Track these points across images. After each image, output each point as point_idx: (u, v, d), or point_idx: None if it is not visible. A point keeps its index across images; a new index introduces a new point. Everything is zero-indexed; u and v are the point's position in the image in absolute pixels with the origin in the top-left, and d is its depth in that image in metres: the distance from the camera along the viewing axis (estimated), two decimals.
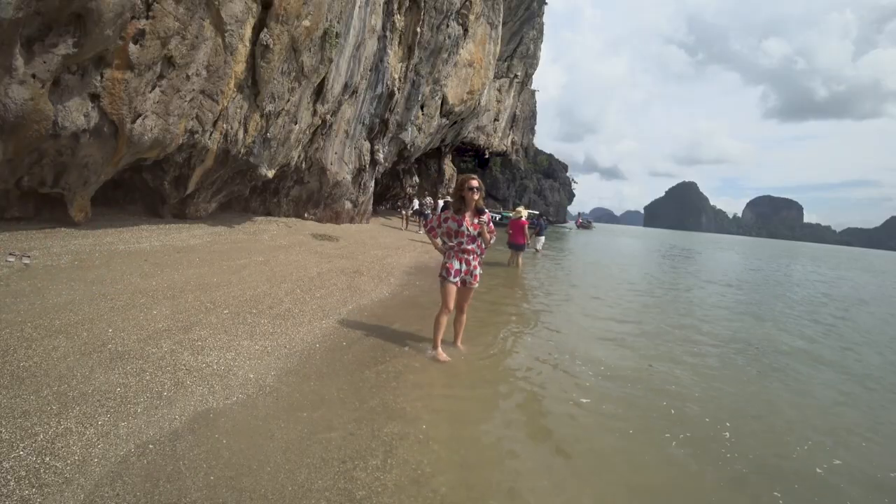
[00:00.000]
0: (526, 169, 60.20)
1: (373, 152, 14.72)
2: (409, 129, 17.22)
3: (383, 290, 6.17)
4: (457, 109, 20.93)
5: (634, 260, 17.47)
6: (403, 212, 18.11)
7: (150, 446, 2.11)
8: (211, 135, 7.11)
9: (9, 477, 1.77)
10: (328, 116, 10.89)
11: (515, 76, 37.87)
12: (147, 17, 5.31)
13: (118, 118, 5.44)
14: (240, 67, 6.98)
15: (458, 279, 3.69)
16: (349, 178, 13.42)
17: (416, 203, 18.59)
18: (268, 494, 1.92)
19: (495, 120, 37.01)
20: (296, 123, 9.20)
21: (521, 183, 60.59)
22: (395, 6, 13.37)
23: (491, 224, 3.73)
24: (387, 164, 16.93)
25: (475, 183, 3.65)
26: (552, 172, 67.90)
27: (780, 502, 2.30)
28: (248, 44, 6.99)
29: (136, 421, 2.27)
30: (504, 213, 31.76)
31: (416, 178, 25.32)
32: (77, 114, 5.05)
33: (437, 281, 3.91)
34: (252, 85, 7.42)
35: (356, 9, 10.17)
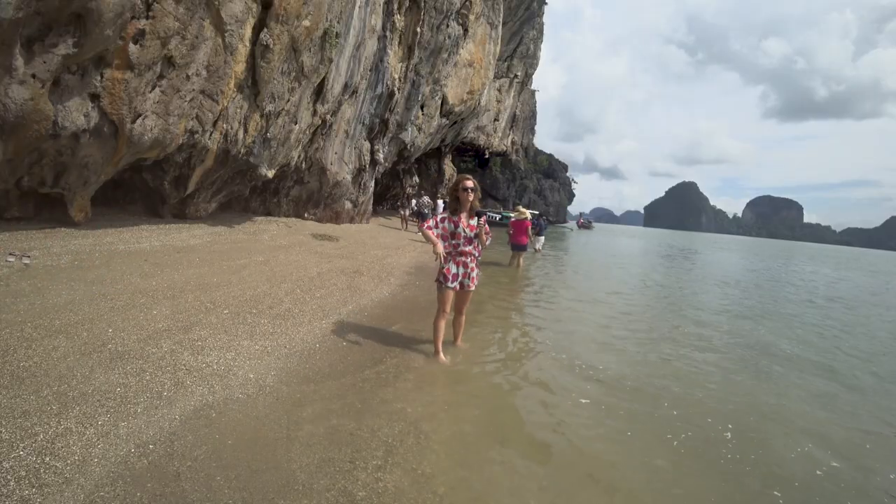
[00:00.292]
0: (526, 169, 60.19)
1: (373, 152, 14.72)
2: (409, 129, 17.22)
3: (383, 290, 6.17)
4: (457, 109, 20.93)
5: (635, 260, 17.47)
6: (402, 212, 17.98)
7: (151, 446, 2.11)
8: (211, 135, 7.11)
9: (9, 477, 1.77)
10: (328, 116, 10.89)
11: (515, 76, 37.87)
12: (147, 17, 5.31)
13: (118, 118, 5.44)
14: (240, 67, 6.98)
15: (455, 284, 3.65)
16: (349, 178, 13.42)
17: (413, 203, 18.33)
18: (268, 494, 1.92)
19: (495, 120, 37.01)
20: (296, 123, 9.20)
21: (521, 183, 60.58)
22: (395, 6, 13.37)
23: (487, 226, 3.69)
24: (387, 164, 16.93)
25: (470, 183, 3.60)
26: (552, 172, 67.89)
27: (780, 502, 2.30)
28: (248, 44, 6.99)
29: (136, 421, 2.27)
30: (504, 214, 31.72)
31: (416, 178, 25.32)
32: (77, 114, 5.05)
33: None
34: (252, 85, 7.42)
35: (356, 9, 10.17)
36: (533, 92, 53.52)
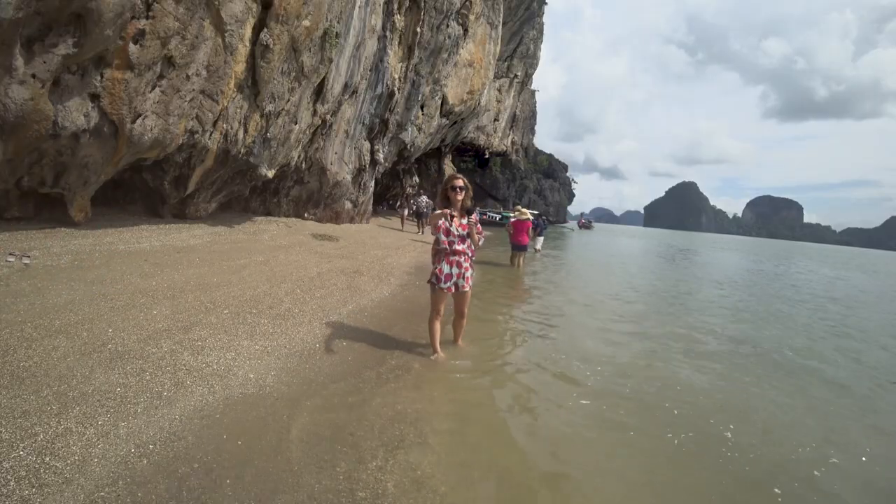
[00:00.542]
0: (526, 169, 60.18)
1: (373, 152, 14.72)
2: (409, 129, 17.21)
3: (383, 290, 6.17)
4: (457, 109, 20.93)
5: (635, 260, 17.46)
6: (401, 212, 17.88)
7: (151, 446, 2.11)
8: (211, 135, 7.11)
9: (9, 477, 1.77)
10: (328, 116, 10.89)
11: (515, 76, 37.86)
12: (147, 17, 5.31)
13: (118, 118, 5.44)
14: (240, 67, 6.98)
15: (449, 284, 3.61)
16: (349, 178, 13.42)
17: (412, 203, 18.16)
18: (269, 495, 1.92)
19: (495, 120, 37.00)
20: (296, 123, 9.20)
21: (521, 183, 60.58)
22: (395, 6, 13.37)
23: (479, 225, 3.66)
24: (387, 164, 16.92)
25: (460, 182, 3.58)
26: (552, 172, 67.88)
27: (780, 500, 2.30)
28: (248, 44, 6.99)
29: (136, 421, 2.27)
30: (505, 214, 31.70)
31: (416, 178, 25.31)
32: (77, 114, 5.05)
33: None
34: (252, 85, 7.42)
35: (356, 9, 10.17)
36: (533, 92, 53.51)
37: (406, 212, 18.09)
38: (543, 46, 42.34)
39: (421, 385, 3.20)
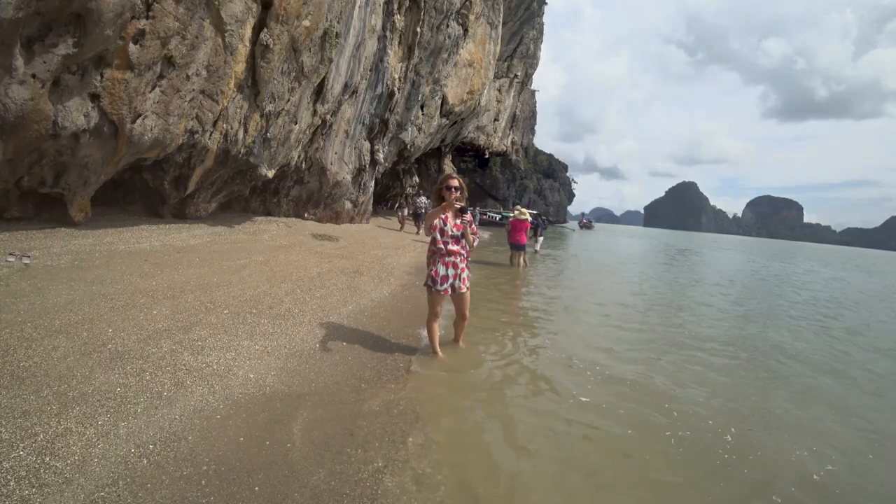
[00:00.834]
0: (526, 169, 60.18)
1: (373, 152, 14.72)
2: (409, 129, 17.21)
3: (383, 290, 6.17)
4: (457, 109, 20.92)
5: (635, 260, 17.46)
6: (399, 212, 17.82)
7: (151, 446, 2.11)
8: (211, 135, 7.11)
9: (9, 477, 1.77)
10: (328, 116, 10.89)
11: (515, 76, 37.86)
12: (147, 17, 5.31)
13: (118, 118, 5.44)
14: (240, 67, 6.98)
15: (445, 286, 3.58)
16: (349, 178, 13.42)
17: (411, 203, 18.03)
18: (270, 494, 1.92)
19: (495, 120, 37.00)
20: (296, 123, 9.20)
21: (521, 183, 60.58)
22: (395, 6, 13.37)
23: (473, 226, 3.63)
24: (387, 164, 16.91)
25: (455, 182, 3.54)
26: (552, 172, 67.87)
27: (778, 501, 2.30)
28: (248, 44, 6.99)
29: (136, 421, 2.27)
30: (504, 213, 31.70)
31: (416, 178, 25.30)
32: (77, 114, 5.05)
33: None
34: (252, 85, 7.42)
35: (356, 9, 10.17)
36: (533, 92, 53.51)
37: (406, 211, 18.05)
38: (543, 46, 42.36)
39: (421, 385, 3.21)
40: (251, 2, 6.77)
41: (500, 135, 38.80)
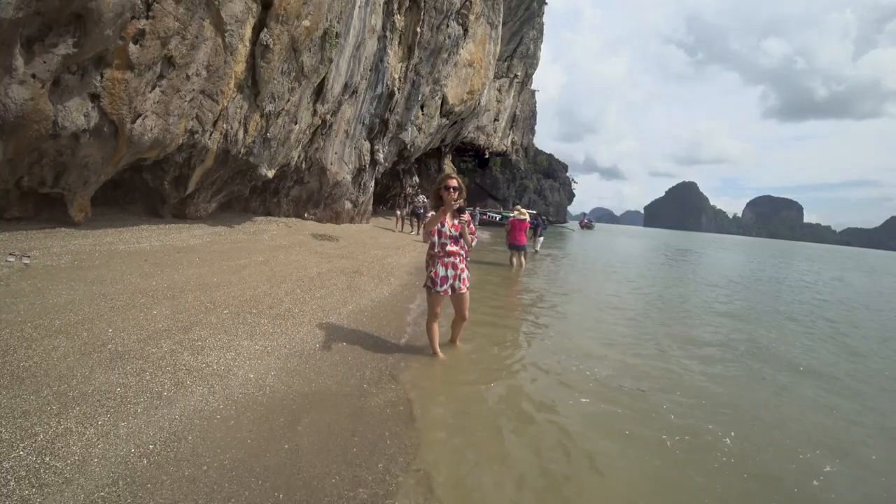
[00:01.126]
0: (526, 169, 60.19)
1: (373, 152, 14.72)
2: (409, 129, 17.21)
3: (383, 290, 6.17)
4: (457, 109, 20.93)
5: (635, 260, 17.46)
6: (398, 212, 17.75)
7: (151, 446, 2.11)
8: (211, 135, 7.11)
9: (9, 477, 1.77)
10: (328, 116, 10.89)
11: (515, 76, 37.87)
12: (147, 17, 5.31)
13: (118, 118, 5.44)
14: (240, 67, 6.98)
15: (445, 287, 3.56)
16: (349, 178, 13.43)
17: (409, 202, 17.92)
18: (271, 494, 1.92)
19: (495, 120, 37.01)
20: (296, 123, 9.20)
21: (521, 183, 60.59)
22: (395, 6, 13.38)
23: (472, 225, 3.61)
24: (387, 164, 16.92)
25: (454, 182, 3.51)
26: (552, 172, 67.89)
27: None
28: (248, 44, 6.99)
29: (136, 421, 2.26)
30: (504, 213, 31.71)
31: (416, 178, 25.30)
32: (77, 114, 5.05)
33: None
34: (252, 85, 7.43)
35: (356, 9, 10.17)
36: (533, 92, 53.52)
37: (403, 211, 17.94)
38: (543, 46, 42.38)
39: (421, 385, 3.20)
40: (251, 2, 6.77)
41: (500, 135, 38.81)
